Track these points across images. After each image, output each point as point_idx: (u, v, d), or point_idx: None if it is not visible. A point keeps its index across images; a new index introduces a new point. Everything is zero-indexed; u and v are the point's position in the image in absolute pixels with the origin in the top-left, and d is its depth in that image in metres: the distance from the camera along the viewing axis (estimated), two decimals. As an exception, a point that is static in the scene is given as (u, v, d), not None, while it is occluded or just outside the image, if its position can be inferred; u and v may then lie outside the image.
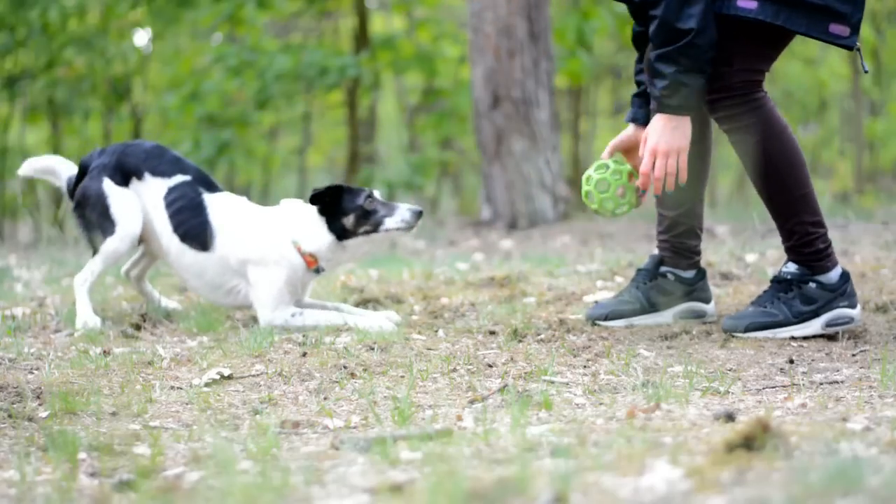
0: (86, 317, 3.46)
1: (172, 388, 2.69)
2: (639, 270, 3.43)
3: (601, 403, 2.44)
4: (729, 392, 2.52)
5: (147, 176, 3.59)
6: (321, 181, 16.77)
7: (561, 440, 2.04)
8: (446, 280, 4.29)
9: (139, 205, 3.57)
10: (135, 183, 3.59)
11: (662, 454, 1.85)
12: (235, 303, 3.55)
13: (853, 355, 2.91)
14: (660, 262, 3.41)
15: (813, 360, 2.87)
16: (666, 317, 3.39)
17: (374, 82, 10.75)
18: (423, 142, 12.23)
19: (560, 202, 7.37)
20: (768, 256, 4.60)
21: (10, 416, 2.41)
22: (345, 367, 2.81)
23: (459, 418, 2.31)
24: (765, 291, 3.19)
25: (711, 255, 4.68)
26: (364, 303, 3.76)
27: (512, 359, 2.88)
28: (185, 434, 2.26)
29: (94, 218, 3.55)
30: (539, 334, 3.17)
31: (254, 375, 2.78)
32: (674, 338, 3.16)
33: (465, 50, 9.10)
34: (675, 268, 3.40)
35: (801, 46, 12.68)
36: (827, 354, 2.93)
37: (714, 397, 2.47)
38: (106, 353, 3.06)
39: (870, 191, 12.21)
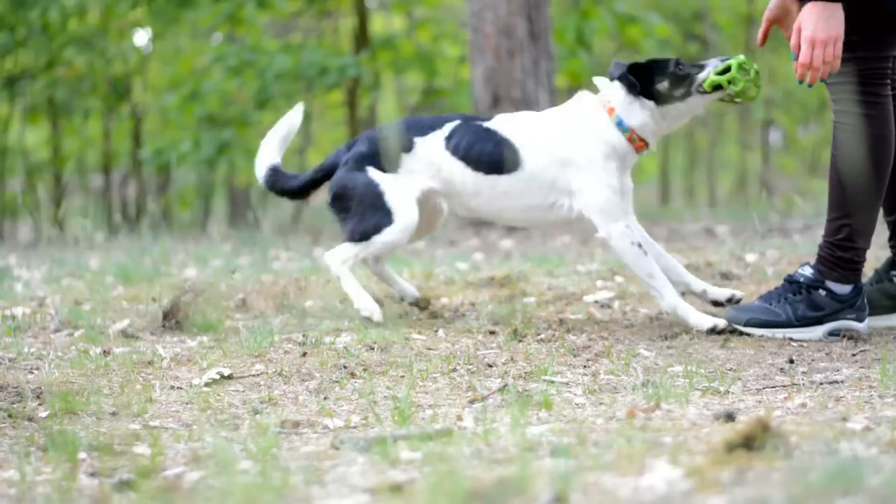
0: (364, 303, 3.38)
1: (172, 388, 2.69)
2: (874, 271, 3.36)
3: (601, 403, 2.44)
4: (729, 392, 2.52)
5: (416, 141, 3.40)
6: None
7: (561, 440, 2.04)
8: (446, 280, 4.29)
9: (413, 191, 3.39)
10: (405, 158, 3.40)
11: (662, 454, 1.85)
12: (559, 217, 3.37)
13: (853, 355, 2.91)
14: (892, 265, 3.32)
15: (813, 360, 2.87)
16: (893, 321, 3.30)
17: (374, 82, 10.75)
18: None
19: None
20: (768, 256, 4.60)
21: (10, 416, 2.41)
22: (345, 367, 2.81)
23: (459, 418, 2.31)
24: (775, 288, 3.20)
25: (711, 255, 4.69)
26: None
27: (512, 359, 2.88)
28: (185, 434, 2.26)
29: (364, 210, 3.38)
30: (539, 334, 3.17)
31: (254, 375, 2.78)
32: (674, 338, 3.16)
33: (465, 50, 9.09)
34: None
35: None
36: (827, 354, 2.93)
37: (714, 397, 2.47)
38: (106, 353, 3.06)
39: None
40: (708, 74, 3.21)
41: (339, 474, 1.86)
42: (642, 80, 3.27)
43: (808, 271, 3.16)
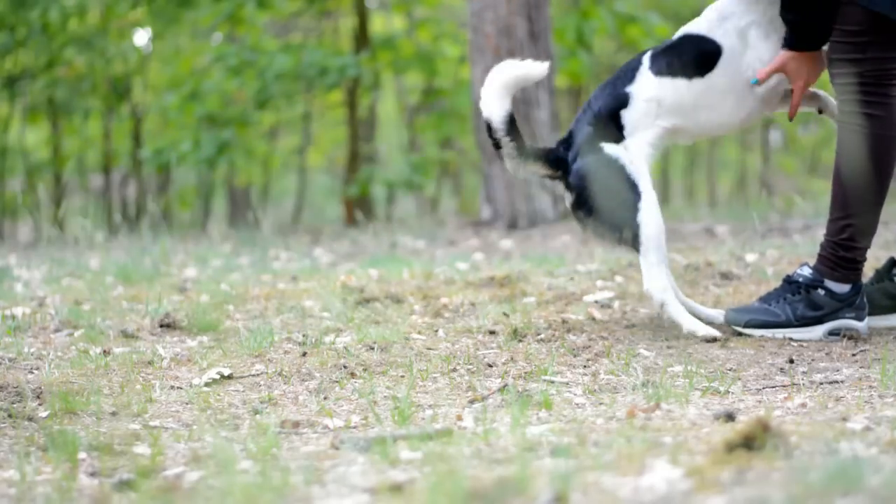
0: (697, 326, 3.10)
1: (172, 388, 2.69)
2: (875, 271, 3.36)
3: (601, 403, 2.44)
4: (729, 392, 2.52)
5: (629, 90, 3.14)
6: (321, 182, 16.78)
7: (561, 440, 2.04)
8: (446, 280, 4.29)
9: (646, 148, 3.12)
10: (625, 114, 3.11)
11: (662, 454, 1.85)
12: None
13: (853, 355, 2.91)
14: (893, 264, 3.32)
15: (813, 360, 2.87)
16: (891, 321, 3.28)
17: (374, 82, 10.75)
18: (423, 141, 12.22)
19: (560, 202, 7.36)
20: (768, 256, 4.60)
21: (10, 416, 2.41)
22: (345, 367, 2.81)
23: (459, 418, 2.31)
24: (774, 289, 3.20)
25: (711, 255, 4.68)
26: (364, 302, 3.76)
27: (512, 359, 2.88)
28: (185, 434, 2.26)
29: (615, 197, 3.08)
30: (539, 334, 3.17)
31: (254, 375, 2.78)
32: (674, 338, 3.16)
33: (465, 50, 9.09)
34: None
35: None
36: (827, 354, 2.94)
37: (714, 397, 2.47)
38: (106, 353, 3.06)
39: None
40: None
41: (339, 474, 1.86)
42: None
43: (806, 271, 3.16)
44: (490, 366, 2.82)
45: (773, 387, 2.57)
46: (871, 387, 2.51)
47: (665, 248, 3.10)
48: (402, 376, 2.73)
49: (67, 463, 2.04)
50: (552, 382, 2.64)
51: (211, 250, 6.29)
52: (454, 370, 2.78)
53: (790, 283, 3.17)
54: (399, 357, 2.91)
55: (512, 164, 3.25)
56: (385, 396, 2.55)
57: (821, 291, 3.12)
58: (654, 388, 2.50)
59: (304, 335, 3.20)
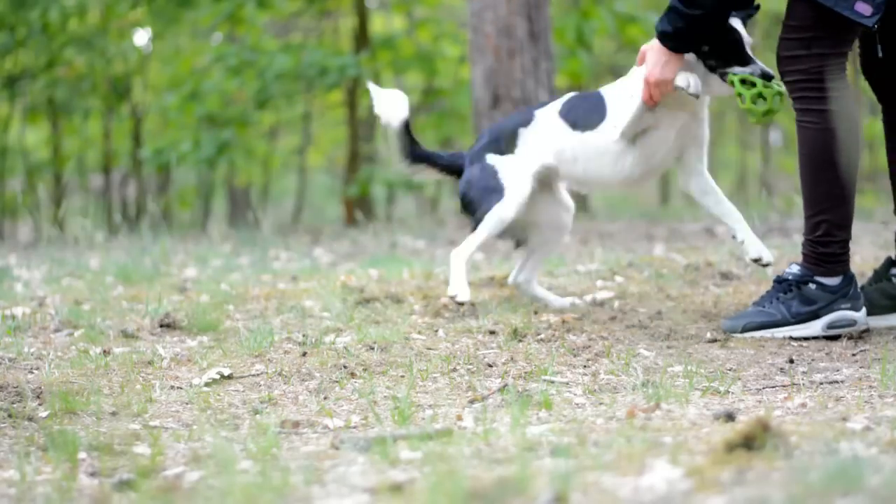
0: (457, 286, 3.41)
1: (172, 387, 2.69)
2: (874, 271, 3.37)
3: (601, 403, 2.44)
4: (729, 392, 2.52)
5: (534, 113, 3.48)
6: (321, 182, 16.76)
7: (561, 440, 2.04)
8: (446, 280, 4.29)
9: (530, 162, 3.44)
10: (523, 133, 3.46)
11: (662, 454, 1.85)
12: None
13: (853, 355, 2.91)
14: (891, 264, 3.32)
15: (813, 360, 2.87)
16: (893, 320, 3.28)
17: (374, 82, 10.75)
18: (423, 141, 12.21)
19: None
20: (768, 256, 4.59)
21: (10, 415, 2.41)
22: (345, 367, 2.81)
23: (459, 418, 2.31)
24: (766, 292, 3.19)
25: (711, 255, 4.68)
26: (364, 302, 3.76)
27: (512, 359, 2.88)
28: (185, 434, 2.26)
29: (478, 194, 3.45)
30: (539, 334, 3.17)
31: (254, 375, 2.78)
32: (674, 338, 3.16)
33: (465, 50, 9.09)
34: None
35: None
36: (827, 354, 2.93)
37: (714, 397, 2.47)
38: (106, 352, 3.06)
39: (869, 190, 12.19)
40: (737, 73, 3.13)
41: (339, 474, 1.86)
42: (718, 54, 3.18)
43: (795, 269, 3.15)
44: (490, 366, 2.82)
45: (773, 387, 2.57)
46: (871, 387, 2.51)
47: (492, 236, 3.46)
48: (402, 376, 2.73)
49: (67, 463, 2.04)
50: (552, 382, 2.64)
51: (211, 250, 6.29)
52: (454, 370, 2.78)
53: (780, 282, 3.16)
54: (399, 357, 2.91)
55: (406, 165, 3.64)
56: (385, 396, 2.55)
57: (812, 286, 3.11)
58: (654, 388, 2.50)
59: (304, 335, 3.20)
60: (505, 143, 3.48)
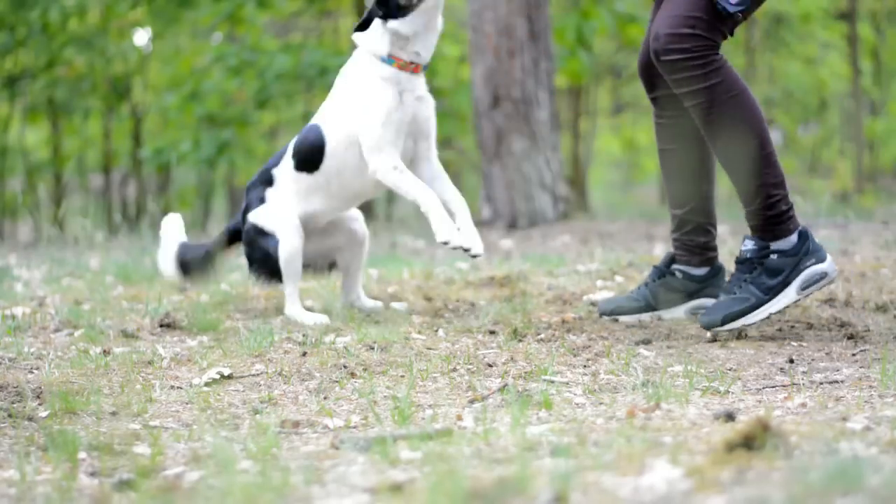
0: (309, 318, 3.46)
1: (172, 387, 2.69)
2: (653, 268, 3.47)
3: (601, 403, 2.44)
4: (729, 392, 2.52)
5: (274, 172, 3.59)
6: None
7: (561, 440, 2.04)
8: (446, 280, 4.29)
9: (286, 205, 3.52)
10: (269, 192, 3.58)
11: (662, 454, 1.85)
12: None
13: (853, 355, 2.91)
14: (671, 260, 3.42)
15: (813, 360, 2.87)
16: (678, 313, 3.42)
17: (373, 82, 10.74)
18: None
19: (560, 202, 7.37)
20: (768, 256, 4.60)
21: (10, 415, 2.41)
22: (345, 367, 2.81)
23: (459, 418, 2.31)
24: (732, 277, 3.16)
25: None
26: (364, 302, 3.76)
27: (512, 358, 2.88)
28: (185, 434, 2.26)
29: (258, 250, 3.54)
30: (539, 334, 3.17)
31: (254, 375, 2.78)
32: (674, 338, 3.16)
33: (465, 50, 9.09)
34: (687, 265, 3.42)
35: (801, 46, 12.68)
36: (827, 354, 2.94)
37: (714, 397, 2.47)
38: (106, 352, 3.06)
39: (870, 190, 12.21)
40: None
41: (339, 474, 1.86)
42: (384, 3, 3.34)
43: (750, 245, 3.12)
44: (490, 366, 2.82)
45: (773, 387, 2.57)
46: (871, 387, 2.51)
47: (298, 272, 3.52)
48: (402, 376, 2.73)
49: (67, 463, 2.04)
50: (552, 382, 2.64)
51: (211, 250, 6.28)
52: (454, 370, 2.78)
53: (742, 262, 3.12)
54: (399, 357, 2.91)
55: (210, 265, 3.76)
56: (385, 396, 2.55)
57: (773, 256, 3.08)
58: (654, 388, 2.50)
59: (304, 335, 3.20)
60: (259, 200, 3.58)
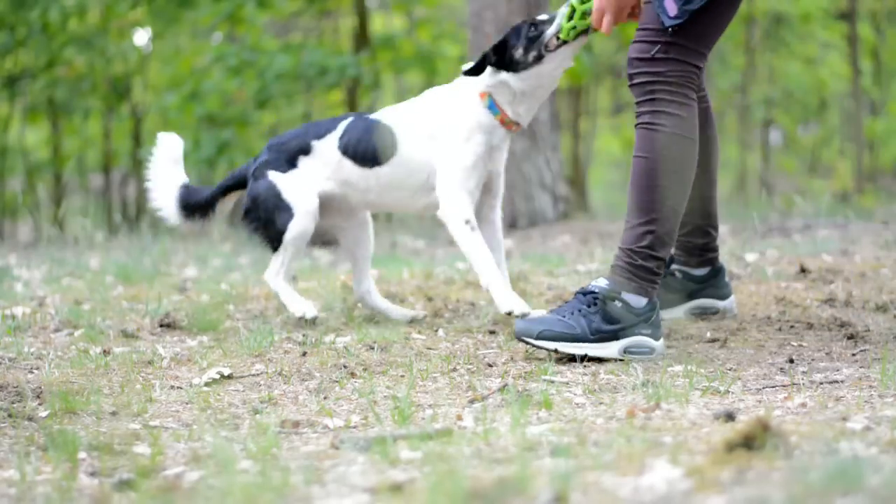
0: (297, 305, 3.42)
1: (172, 387, 2.69)
2: None
3: (601, 403, 2.44)
4: (729, 392, 2.52)
5: (314, 143, 3.44)
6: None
7: (561, 440, 2.04)
8: (446, 280, 4.29)
9: (311, 184, 3.42)
10: (303, 160, 3.45)
11: (662, 454, 1.85)
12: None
13: (853, 355, 2.91)
14: (671, 260, 3.41)
15: (813, 360, 2.87)
16: (677, 313, 3.41)
17: (374, 82, 10.75)
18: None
19: (560, 202, 7.36)
20: (768, 256, 4.60)
21: (10, 415, 2.41)
22: (345, 367, 2.81)
23: (459, 418, 2.31)
24: (568, 302, 3.02)
25: (711, 254, 4.68)
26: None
27: (512, 358, 2.88)
28: (185, 434, 2.26)
29: (269, 215, 3.42)
30: (539, 334, 3.16)
31: (254, 375, 2.78)
32: (674, 338, 3.16)
33: (465, 50, 9.09)
34: (685, 266, 3.41)
35: (801, 46, 12.68)
36: (827, 354, 2.93)
37: (714, 397, 2.47)
38: (106, 352, 3.06)
39: (870, 190, 12.20)
40: (559, 26, 3.16)
41: (339, 474, 1.86)
42: (501, 53, 3.24)
43: (602, 282, 2.99)
44: (490, 366, 2.82)
45: (773, 387, 2.57)
46: (871, 387, 2.51)
47: (298, 252, 3.46)
48: (402, 376, 2.73)
49: (67, 463, 2.04)
50: (552, 382, 2.64)
51: (211, 250, 6.29)
52: (454, 370, 2.78)
53: (585, 294, 2.98)
54: (399, 357, 2.91)
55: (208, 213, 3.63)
56: (385, 396, 2.55)
57: (618, 304, 2.94)
58: (654, 388, 2.50)
59: (304, 335, 3.20)
60: (286, 164, 3.47)
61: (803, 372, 2.72)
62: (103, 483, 1.92)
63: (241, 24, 10.15)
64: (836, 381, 2.60)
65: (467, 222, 3.25)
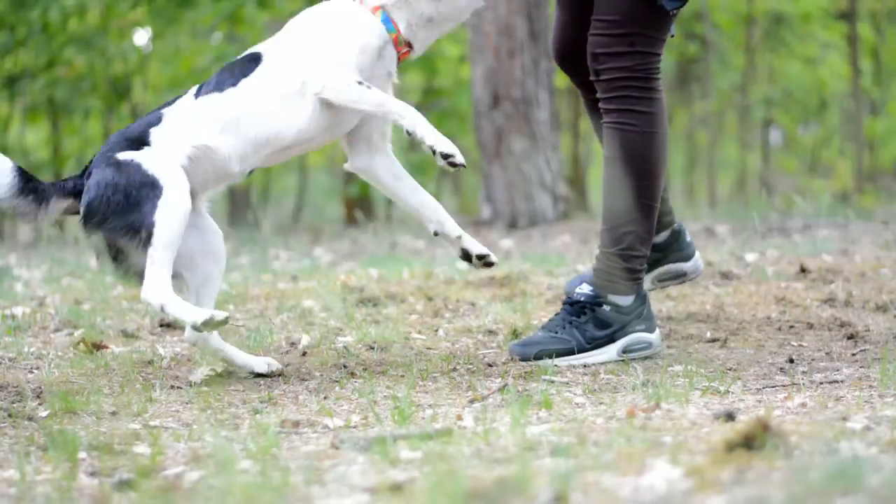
0: (196, 315, 2.59)
1: (172, 387, 2.69)
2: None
3: (601, 403, 2.44)
4: (729, 392, 2.52)
5: (163, 111, 2.78)
6: (321, 181, 16.76)
7: (561, 440, 2.04)
8: (446, 280, 4.29)
9: (173, 153, 2.71)
10: (154, 132, 2.73)
11: (662, 454, 1.85)
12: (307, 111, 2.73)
13: (853, 355, 2.91)
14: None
15: (813, 360, 2.87)
16: (644, 283, 3.19)
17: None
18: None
19: (560, 201, 7.36)
20: (768, 256, 4.60)
21: (10, 415, 2.41)
22: (345, 367, 2.81)
23: (459, 418, 2.31)
24: (556, 315, 2.98)
25: (711, 254, 4.68)
26: (364, 302, 3.76)
27: (512, 358, 2.88)
28: (185, 433, 2.26)
29: (126, 198, 2.65)
30: (539, 334, 3.16)
31: (254, 375, 2.78)
32: (674, 338, 3.16)
33: (465, 49, 9.09)
34: None
35: (801, 46, 12.68)
36: (827, 354, 2.93)
37: (714, 397, 2.47)
38: (97, 347, 3.05)
39: (870, 190, 12.21)
40: None
41: (339, 474, 1.86)
42: None
43: (586, 289, 2.94)
44: (490, 365, 2.82)
45: (773, 387, 2.57)
46: (871, 387, 2.51)
47: (174, 249, 2.65)
48: (402, 376, 2.73)
49: (67, 463, 2.04)
50: (552, 382, 2.64)
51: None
52: (454, 370, 2.78)
53: (572, 304, 2.94)
54: (399, 357, 2.91)
55: (35, 215, 2.74)
56: (385, 396, 2.55)
57: (606, 307, 2.91)
58: (654, 388, 2.50)
59: (304, 335, 3.20)
60: (133, 144, 2.72)
61: (803, 372, 2.72)
62: (103, 483, 1.92)
63: (241, 24, 10.15)
64: (836, 381, 2.60)
65: (359, 82, 2.70)
